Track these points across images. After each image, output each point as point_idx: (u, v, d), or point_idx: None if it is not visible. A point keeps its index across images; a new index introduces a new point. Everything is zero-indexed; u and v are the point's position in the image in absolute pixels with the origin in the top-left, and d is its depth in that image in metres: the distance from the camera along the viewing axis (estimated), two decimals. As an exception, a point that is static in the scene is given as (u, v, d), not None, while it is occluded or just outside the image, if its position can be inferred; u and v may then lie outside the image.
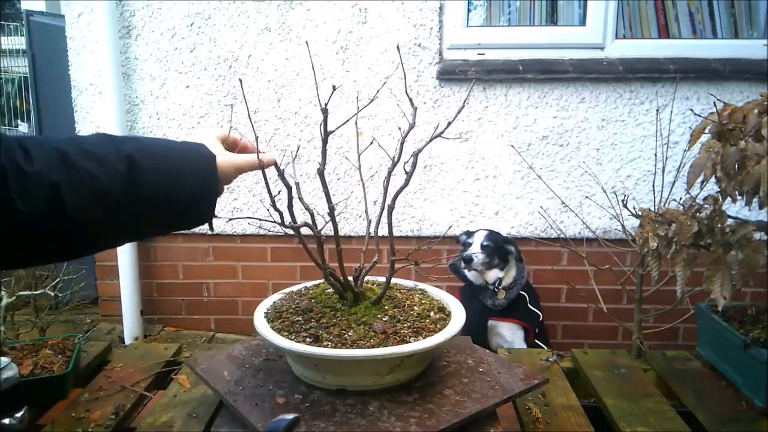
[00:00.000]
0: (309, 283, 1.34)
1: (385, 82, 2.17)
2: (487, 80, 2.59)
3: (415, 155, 1.12)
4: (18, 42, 4.43)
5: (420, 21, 2.57)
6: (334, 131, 1.07)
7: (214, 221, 0.87)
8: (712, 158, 1.34)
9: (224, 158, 0.88)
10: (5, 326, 1.72)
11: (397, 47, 2.58)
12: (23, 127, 4.56)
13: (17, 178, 0.67)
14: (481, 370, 1.18)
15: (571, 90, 2.58)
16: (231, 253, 2.83)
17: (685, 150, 2.04)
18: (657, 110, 2.52)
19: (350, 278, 1.18)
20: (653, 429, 1.26)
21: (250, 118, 1.16)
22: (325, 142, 1.06)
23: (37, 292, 1.84)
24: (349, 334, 1.07)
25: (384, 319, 1.13)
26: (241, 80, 2.67)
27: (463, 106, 1.41)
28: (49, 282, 1.95)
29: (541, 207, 2.63)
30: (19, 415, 1.32)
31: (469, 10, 2.68)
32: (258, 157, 0.92)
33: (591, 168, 2.61)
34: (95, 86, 2.70)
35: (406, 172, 1.13)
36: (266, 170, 0.96)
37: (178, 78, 2.69)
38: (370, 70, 2.62)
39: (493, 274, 2.29)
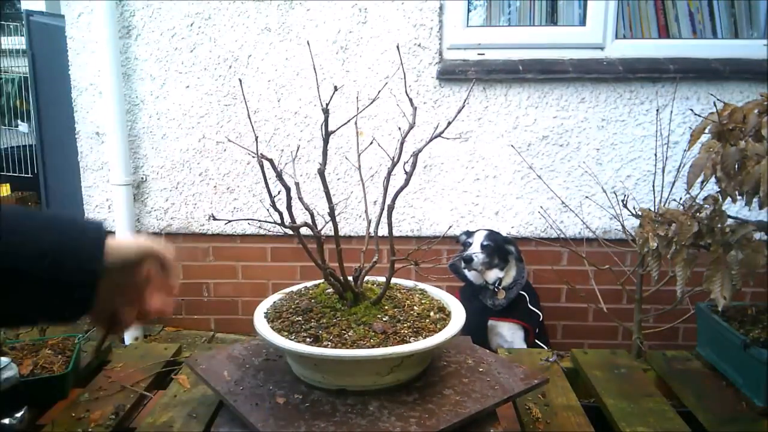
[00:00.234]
0: (309, 283, 1.34)
1: (386, 83, 2.17)
2: (487, 80, 2.59)
3: (415, 155, 1.12)
4: (18, 42, 4.44)
5: (420, 21, 2.57)
6: (334, 131, 1.07)
7: (214, 222, 0.85)
8: (712, 158, 1.34)
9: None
10: (5, 326, 1.71)
11: (397, 47, 2.58)
12: (23, 127, 4.57)
13: None
14: (481, 370, 1.18)
15: (571, 90, 2.58)
16: (231, 253, 2.83)
17: (685, 150, 2.05)
18: (657, 110, 2.52)
19: (350, 278, 1.19)
20: (653, 429, 1.26)
21: (249, 118, 1.17)
22: (326, 142, 1.06)
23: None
24: (349, 334, 1.07)
25: (384, 319, 1.13)
26: (241, 80, 2.67)
27: (463, 106, 1.41)
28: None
29: (541, 207, 2.63)
30: (19, 415, 1.32)
31: (469, 10, 2.67)
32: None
33: (591, 168, 2.61)
34: (95, 86, 2.71)
35: (406, 172, 1.13)
36: (266, 170, 0.96)
37: (178, 78, 2.69)
38: (370, 70, 2.62)
39: (493, 274, 2.29)
